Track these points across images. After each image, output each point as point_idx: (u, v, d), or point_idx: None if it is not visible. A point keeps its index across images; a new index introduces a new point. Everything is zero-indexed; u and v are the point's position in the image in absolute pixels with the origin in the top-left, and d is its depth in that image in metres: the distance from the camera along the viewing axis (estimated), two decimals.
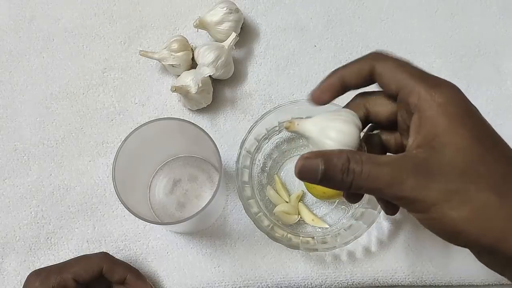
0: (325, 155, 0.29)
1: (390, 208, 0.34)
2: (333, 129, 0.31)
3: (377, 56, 0.31)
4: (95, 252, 0.49)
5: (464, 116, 0.28)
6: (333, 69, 0.33)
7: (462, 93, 0.29)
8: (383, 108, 0.33)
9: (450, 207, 0.27)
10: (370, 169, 0.28)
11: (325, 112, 0.32)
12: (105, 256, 0.45)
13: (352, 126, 0.31)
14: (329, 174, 0.29)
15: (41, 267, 0.49)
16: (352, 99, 0.34)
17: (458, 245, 0.29)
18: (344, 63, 0.33)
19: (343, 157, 0.29)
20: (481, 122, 0.29)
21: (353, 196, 0.35)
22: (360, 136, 0.31)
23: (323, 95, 0.32)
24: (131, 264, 0.46)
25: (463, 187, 0.27)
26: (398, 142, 0.34)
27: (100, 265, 0.43)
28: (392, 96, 0.31)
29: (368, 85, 0.32)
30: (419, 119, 0.29)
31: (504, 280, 0.49)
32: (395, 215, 0.50)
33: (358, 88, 0.33)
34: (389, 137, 0.34)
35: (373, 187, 0.28)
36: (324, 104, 0.33)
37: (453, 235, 0.28)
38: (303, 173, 0.29)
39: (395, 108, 0.32)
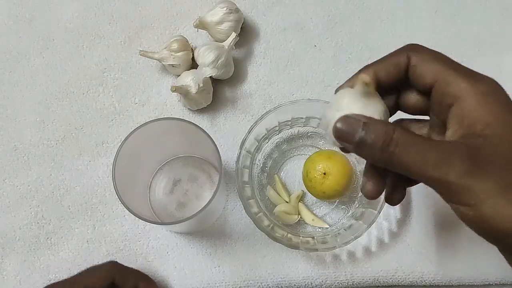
0: (368, 118, 0.27)
1: (397, 194, 0.31)
2: (357, 106, 0.28)
3: (413, 47, 0.30)
4: (95, 252, 0.49)
5: (510, 106, 0.27)
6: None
7: (502, 87, 0.28)
8: (411, 102, 0.31)
9: (506, 202, 0.25)
10: (418, 144, 0.26)
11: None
12: (115, 265, 0.44)
13: (380, 105, 0.28)
14: (368, 139, 0.26)
15: (41, 267, 0.49)
16: None
17: (504, 246, 0.27)
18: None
19: (388, 125, 0.26)
20: None
21: (396, 191, 0.31)
22: (382, 108, 0.29)
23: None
24: (132, 264, 0.46)
25: None
26: (424, 135, 0.32)
27: (112, 275, 0.42)
28: (422, 91, 0.30)
29: (402, 83, 0.31)
30: (462, 109, 0.27)
31: (504, 280, 0.49)
32: (395, 215, 0.50)
33: (391, 86, 0.31)
34: (414, 128, 0.32)
35: (416, 164, 0.26)
36: None
37: (504, 235, 0.25)
38: (340, 131, 0.27)
39: (422, 101, 0.31)
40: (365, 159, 0.29)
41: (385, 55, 0.31)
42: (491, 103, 0.27)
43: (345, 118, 0.27)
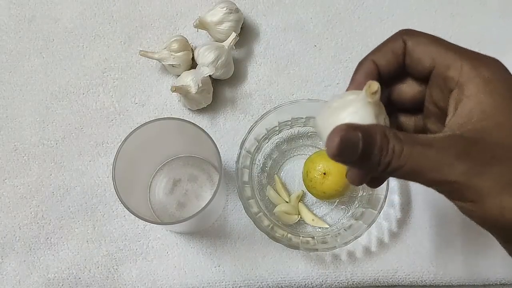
0: (362, 128, 0.24)
1: (378, 181, 0.30)
2: (345, 111, 0.26)
3: (408, 32, 0.28)
4: (95, 252, 0.49)
5: (505, 91, 0.25)
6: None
7: (507, 69, 0.26)
8: (407, 89, 0.30)
9: (509, 195, 0.24)
10: (412, 148, 0.24)
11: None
12: None
13: (368, 106, 0.26)
14: (367, 151, 0.24)
15: (40, 267, 0.49)
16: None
17: (509, 241, 0.26)
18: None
19: (380, 132, 0.25)
20: None
21: (376, 180, 0.31)
22: (384, 116, 0.27)
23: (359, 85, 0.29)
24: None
25: None
26: (419, 126, 0.31)
27: None
28: (420, 77, 0.29)
29: (400, 71, 0.29)
30: (462, 96, 0.26)
31: (504, 280, 0.49)
32: (395, 215, 0.50)
33: (391, 75, 0.29)
34: (407, 120, 0.31)
35: (414, 169, 0.25)
36: None
37: (509, 231, 0.25)
38: (343, 149, 0.24)
39: (419, 91, 0.29)
40: (364, 171, 0.27)
41: (380, 43, 0.29)
42: (492, 91, 0.25)
43: (344, 132, 0.25)
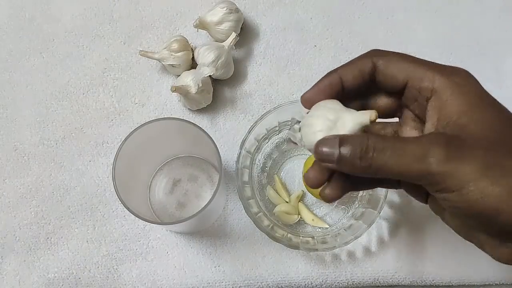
0: (341, 135, 0.28)
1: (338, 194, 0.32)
2: (321, 119, 0.29)
3: (377, 53, 0.31)
4: (95, 252, 0.49)
5: (483, 95, 0.28)
6: (331, 69, 0.31)
7: (474, 76, 0.29)
8: (384, 102, 0.32)
9: (489, 182, 0.25)
10: (393, 144, 0.27)
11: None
12: None
13: (342, 112, 0.29)
14: (346, 154, 0.27)
15: (40, 267, 0.49)
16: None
17: (492, 230, 0.27)
18: (344, 63, 0.32)
19: (361, 136, 0.27)
20: (497, 101, 0.29)
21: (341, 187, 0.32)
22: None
23: (316, 97, 0.31)
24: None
25: (501, 161, 0.25)
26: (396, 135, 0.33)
27: None
28: (393, 91, 0.31)
29: (366, 87, 0.32)
30: (439, 101, 0.28)
31: (504, 280, 0.49)
32: (395, 215, 0.50)
33: (355, 90, 0.32)
34: (384, 130, 0.33)
35: (397, 163, 0.26)
36: (312, 101, 0.31)
37: (493, 216, 0.25)
38: (321, 155, 0.28)
39: (392, 105, 0.32)
40: (348, 173, 0.29)
41: (349, 60, 0.32)
42: (466, 93, 0.28)
43: (322, 140, 0.28)
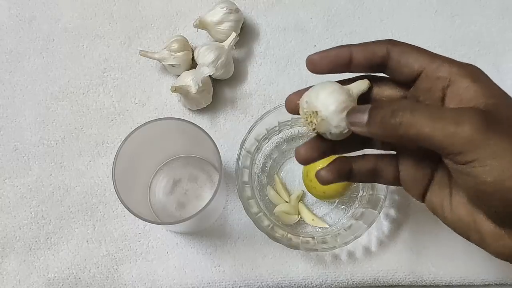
0: (373, 104, 0.29)
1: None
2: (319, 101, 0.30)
3: (393, 41, 0.31)
4: (95, 252, 0.49)
5: (496, 85, 0.29)
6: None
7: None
8: (390, 92, 0.32)
9: None
10: (427, 107, 0.27)
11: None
12: None
13: (338, 94, 0.30)
14: (377, 114, 0.28)
15: (41, 267, 0.49)
16: (358, 77, 0.33)
17: (503, 212, 0.27)
18: (359, 43, 0.32)
19: (392, 100, 0.28)
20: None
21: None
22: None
23: (322, 61, 0.31)
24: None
25: None
26: None
27: None
28: (403, 81, 0.31)
29: (373, 72, 0.32)
30: (460, 88, 0.28)
31: (504, 279, 0.49)
32: (395, 215, 0.50)
33: (362, 71, 0.32)
34: None
35: (429, 124, 0.26)
36: (319, 73, 0.31)
37: (507, 190, 0.25)
38: (351, 114, 0.29)
39: (401, 92, 0.32)
40: (380, 138, 0.30)
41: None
42: (483, 80, 0.28)
43: (354, 108, 0.29)
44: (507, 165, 0.25)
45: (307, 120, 0.30)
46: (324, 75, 0.32)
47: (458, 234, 0.31)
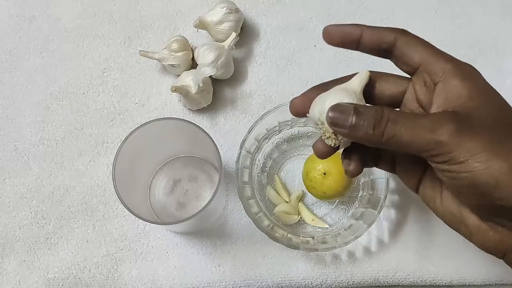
0: (356, 104, 0.30)
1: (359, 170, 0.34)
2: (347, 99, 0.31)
3: (403, 31, 0.32)
4: (95, 252, 0.49)
5: (488, 85, 0.30)
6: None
7: (478, 70, 0.31)
8: (390, 86, 0.33)
9: (494, 155, 0.27)
10: (407, 116, 0.29)
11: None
12: None
13: (344, 95, 0.31)
14: (360, 121, 0.29)
15: (40, 267, 0.49)
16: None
17: (485, 204, 0.28)
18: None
19: (376, 107, 0.29)
20: (498, 93, 0.31)
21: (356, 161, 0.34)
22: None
23: (336, 33, 0.33)
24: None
25: (506, 140, 0.27)
26: None
27: None
28: (405, 70, 0.32)
29: (380, 56, 0.33)
30: (448, 86, 0.30)
31: (504, 280, 0.49)
32: (395, 215, 0.50)
33: (369, 53, 0.33)
34: None
35: (409, 133, 0.28)
36: (331, 44, 0.33)
37: (491, 187, 0.27)
38: (333, 118, 0.29)
39: (401, 88, 0.33)
40: (360, 142, 0.30)
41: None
42: (474, 80, 0.30)
43: (337, 106, 0.30)
44: (480, 159, 0.27)
45: (325, 135, 0.31)
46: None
47: (449, 226, 0.32)
